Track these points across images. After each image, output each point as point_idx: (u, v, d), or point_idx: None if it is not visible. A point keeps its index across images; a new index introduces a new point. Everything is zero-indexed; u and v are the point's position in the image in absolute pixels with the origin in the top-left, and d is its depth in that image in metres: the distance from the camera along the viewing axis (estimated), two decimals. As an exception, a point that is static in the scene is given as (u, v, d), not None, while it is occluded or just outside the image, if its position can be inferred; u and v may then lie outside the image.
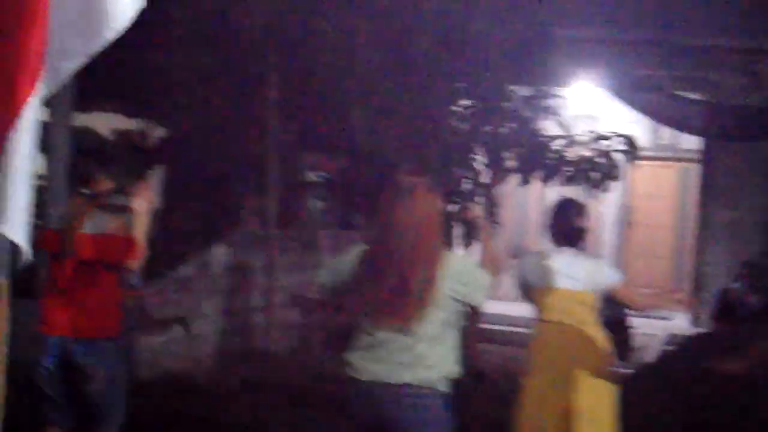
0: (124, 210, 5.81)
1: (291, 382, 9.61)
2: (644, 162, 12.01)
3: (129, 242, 5.65)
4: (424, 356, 4.10)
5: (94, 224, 5.62)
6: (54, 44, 2.84)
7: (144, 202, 5.73)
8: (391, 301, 4.08)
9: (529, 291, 5.97)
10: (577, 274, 5.77)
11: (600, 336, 5.90)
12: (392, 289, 4.08)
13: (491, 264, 4.46)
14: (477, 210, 4.75)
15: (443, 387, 4.17)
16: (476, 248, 4.89)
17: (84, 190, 5.73)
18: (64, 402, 5.62)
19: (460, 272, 4.18)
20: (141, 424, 7.32)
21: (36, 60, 2.74)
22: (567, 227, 5.88)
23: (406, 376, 4.10)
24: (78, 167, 6.02)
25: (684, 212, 15.18)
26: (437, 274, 4.10)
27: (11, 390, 7.23)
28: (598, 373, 5.76)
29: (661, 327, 13.10)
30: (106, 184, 5.84)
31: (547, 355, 5.85)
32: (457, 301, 4.17)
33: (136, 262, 5.77)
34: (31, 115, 2.69)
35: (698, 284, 14.02)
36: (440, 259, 4.14)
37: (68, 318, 5.55)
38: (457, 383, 4.28)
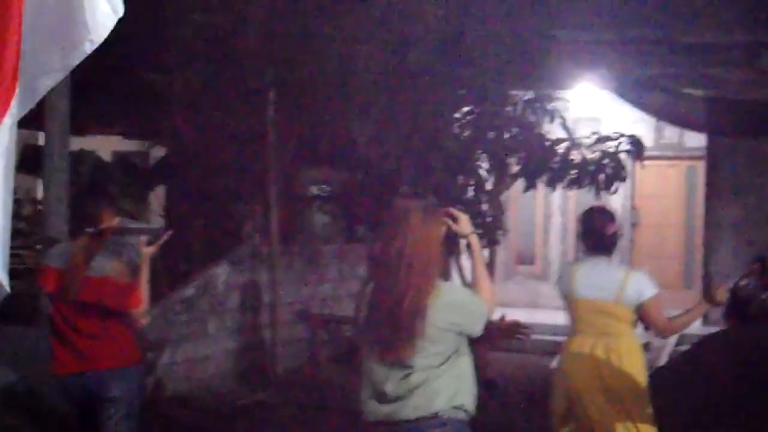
0: (128, 249, 5.66)
1: (299, 400, 9.48)
2: (649, 162, 11.87)
3: (132, 288, 5.49)
4: (421, 389, 3.88)
5: (98, 266, 5.41)
6: (28, 60, 2.64)
7: (152, 250, 5.58)
8: (384, 335, 3.88)
9: (565, 302, 5.78)
10: (608, 285, 5.54)
11: (634, 352, 5.61)
12: (385, 322, 3.88)
13: (482, 283, 4.20)
14: (464, 224, 4.20)
15: (453, 415, 3.93)
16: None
17: (89, 229, 5.42)
18: None
19: (455, 303, 3.96)
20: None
21: (8, 77, 2.54)
22: (598, 235, 5.68)
23: (406, 412, 3.89)
24: (82, 203, 5.77)
25: (691, 211, 15.05)
26: (427, 305, 3.85)
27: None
28: (629, 390, 5.57)
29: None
30: (110, 221, 5.61)
31: (575, 367, 5.65)
32: (454, 332, 3.94)
33: (139, 310, 5.57)
34: (4, 137, 2.50)
35: (708, 283, 13.85)
36: (432, 290, 3.89)
37: (82, 353, 5.38)
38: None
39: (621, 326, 5.55)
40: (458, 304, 3.97)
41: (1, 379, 8.32)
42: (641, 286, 5.52)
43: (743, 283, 11.94)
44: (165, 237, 5.64)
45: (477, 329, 3.99)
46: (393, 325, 3.85)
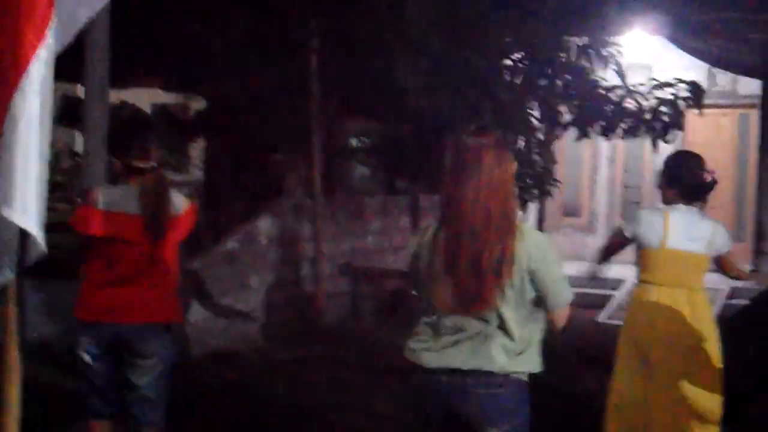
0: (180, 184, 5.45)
1: (341, 353, 9.33)
2: (702, 110, 11.53)
3: (193, 218, 5.33)
4: (494, 342, 3.62)
5: (173, 202, 5.18)
6: None
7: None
8: (464, 282, 3.58)
9: (641, 250, 5.49)
10: (699, 236, 5.33)
11: (708, 305, 5.49)
12: (464, 268, 3.58)
13: None
14: None
15: (520, 376, 3.69)
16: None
17: (151, 164, 5.11)
18: (110, 391, 5.20)
19: (537, 246, 3.66)
20: (189, 398, 7.11)
21: (42, 3, 2.26)
22: (696, 182, 5.39)
23: (477, 363, 3.62)
24: (133, 135, 5.42)
25: (743, 160, 14.73)
26: (514, 249, 3.57)
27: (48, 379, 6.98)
28: (703, 344, 5.33)
29: (721, 281, 12.62)
30: (158, 156, 5.27)
31: (652, 318, 5.41)
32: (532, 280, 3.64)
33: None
34: (40, 71, 2.22)
35: (760, 234, 13.55)
36: (516, 234, 3.59)
37: (130, 303, 5.08)
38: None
39: (701, 278, 5.42)
40: (541, 247, 3.66)
41: (40, 334, 8.19)
42: (724, 239, 5.41)
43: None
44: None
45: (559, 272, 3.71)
46: (476, 272, 3.56)
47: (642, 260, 5.48)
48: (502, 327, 3.62)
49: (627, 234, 5.52)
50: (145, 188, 5.10)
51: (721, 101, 14.43)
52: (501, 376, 3.63)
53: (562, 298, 3.71)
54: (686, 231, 5.32)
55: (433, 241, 3.72)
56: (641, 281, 5.51)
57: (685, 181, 5.40)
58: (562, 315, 3.72)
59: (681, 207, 5.39)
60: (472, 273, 3.57)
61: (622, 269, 7.22)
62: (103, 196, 5.17)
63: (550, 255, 3.69)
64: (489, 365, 3.62)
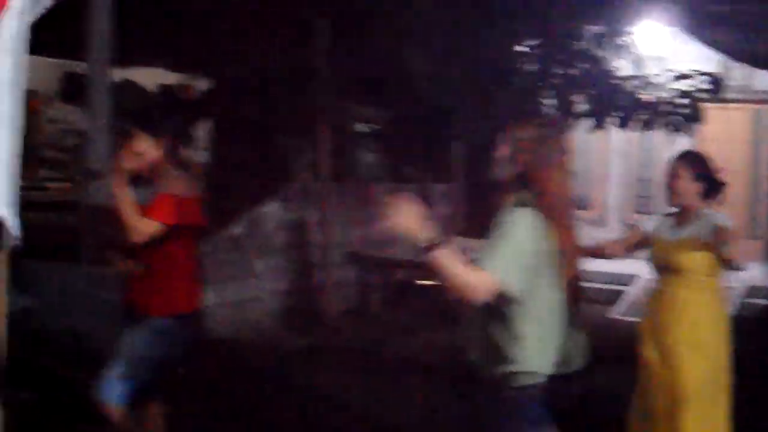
0: None
1: (348, 343, 9.23)
2: (715, 104, 11.31)
3: None
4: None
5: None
6: None
7: None
8: (572, 275, 3.49)
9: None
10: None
11: None
12: (573, 260, 3.51)
13: None
14: None
15: None
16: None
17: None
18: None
19: None
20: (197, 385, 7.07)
21: None
22: (719, 180, 5.19)
23: (576, 362, 3.59)
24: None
25: (757, 157, 14.49)
26: None
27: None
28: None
29: (736, 279, 12.45)
30: None
31: (679, 321, 5.21)
32: None
33: None
34: (12, 25, 1.92)
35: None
36: None
37: (180, 296, 5.08)
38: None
39: None
40: None
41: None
42: None
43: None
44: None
45: None
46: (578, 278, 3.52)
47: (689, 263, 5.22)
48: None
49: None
50: (196, 172, 5.25)
51: (736, 96, 14.20)
52: None
53: None
54: None
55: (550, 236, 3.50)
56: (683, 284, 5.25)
57: (712, 178, 5.20)
58: None
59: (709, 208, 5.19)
60: (575, 265, 3.53)
61: (634, 264, 7.04)
62: (180, 183, 5.00)
63: None
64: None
